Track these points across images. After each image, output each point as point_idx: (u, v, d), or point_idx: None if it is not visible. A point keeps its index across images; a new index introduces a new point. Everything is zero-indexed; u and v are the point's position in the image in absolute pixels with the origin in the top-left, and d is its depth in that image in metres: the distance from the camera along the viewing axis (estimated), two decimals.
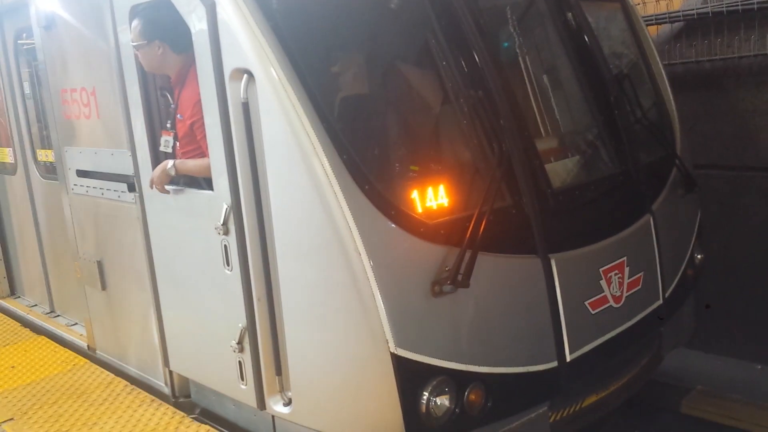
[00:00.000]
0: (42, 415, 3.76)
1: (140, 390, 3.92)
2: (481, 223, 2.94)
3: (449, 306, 2.96)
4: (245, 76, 2.94)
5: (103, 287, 4.45)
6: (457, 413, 2.98)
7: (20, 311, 5.58)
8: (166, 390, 4.08)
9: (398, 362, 2.78)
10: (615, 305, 3.65)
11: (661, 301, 4.00)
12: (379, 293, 2.77)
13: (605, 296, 3.60)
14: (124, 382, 4.06)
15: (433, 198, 3.02)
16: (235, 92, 3.01)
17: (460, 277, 2.85)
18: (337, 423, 3.07)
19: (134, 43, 3.49)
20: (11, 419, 3.75)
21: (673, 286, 4.12)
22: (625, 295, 3.70)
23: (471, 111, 3.26)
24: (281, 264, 3.06)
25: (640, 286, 3.83)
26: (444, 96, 3.42)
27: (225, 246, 3.34)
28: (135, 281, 4.12)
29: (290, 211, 3.00)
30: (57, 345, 4.77)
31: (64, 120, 4.43)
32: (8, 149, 5.32)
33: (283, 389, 3.27)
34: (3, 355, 4.70)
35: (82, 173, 4.36)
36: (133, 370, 4.34)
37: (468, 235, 2.91)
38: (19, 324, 5.29)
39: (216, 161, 3.22)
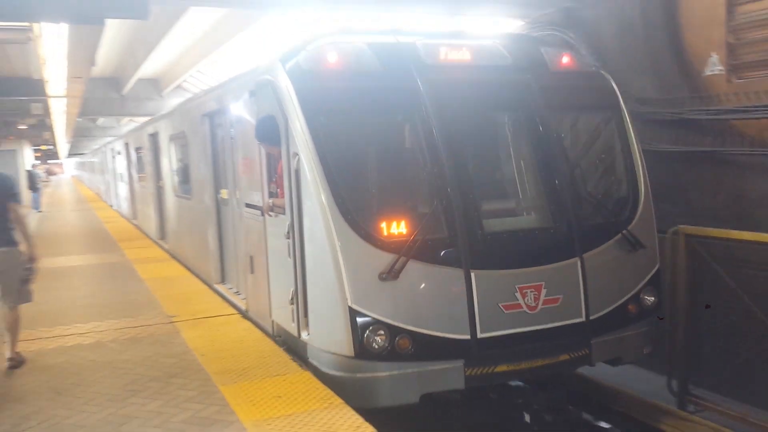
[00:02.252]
0: None
1: None
2: (413, 245, 5.04)
3: (390, 288, 5.01)
4: (297, 156, 5.33)
5: (252, 272, 7.05)
6: (389, 349, 4.97)
7: (225, 292, 8.32)
8: (270, 331, 6.47)
9: (351, 311, 4.96)
10: (529, 312, 5.28)
11: (583, 320, 5.48)
12: (345, 276, 4.97)
13: (519, 304, 5.25)
14: (371, 429, 4.11)
15: (386, 228, 5.12)
16: (293, 164, 5.44)
17: (393, 273, 4.96)
18: (325, 342, 5.29)
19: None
20: None
21: (602, 313, 5.58)
22: (540, 307, 5.30)
23: (426, 180, 5.48)
24: (307, 256, 5.44)
25: (557, 305, 5.37)
26: (409, 170, 5.72)
27: (288, 244, 5.68)
28: (262, 268, 6.53)
29: (311, 227, 5.34)
30: (318, 383, 5.03)
31: (240, 175, 7.36)
32: (225, 190, 8.21)
33: (307, 326, 5.51)
34: (272, 385, 5.08)
35: (246, 205, 7.12)
36: (260, 323, 6.81)
37: (402, 250, 5.01)
38: (288, 357, 5.70)
39: (287, 200, 5.69)
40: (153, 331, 6.80)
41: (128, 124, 37.11)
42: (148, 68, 21.01)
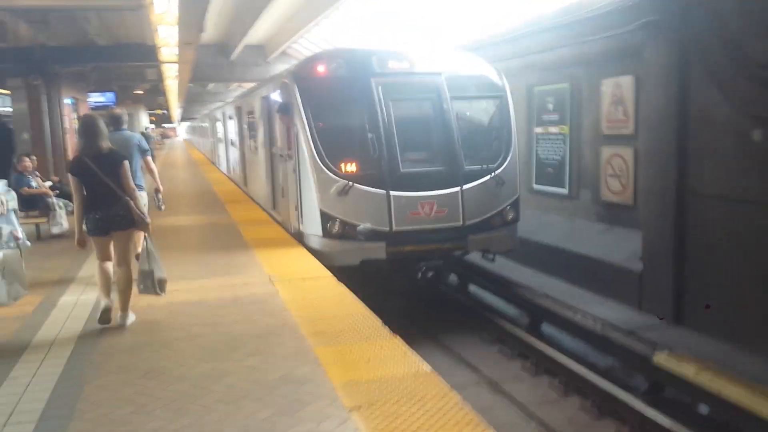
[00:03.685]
0: (384, 411, 4.02)
1: (469, 410, 3.93)
2: (358, 176, 8.84)
3: (343, 200, 8.76)
4: (296, 126, 9.30)
5: (282, 196, 11.06)
6: (342, 233, 8.77)
7: (273, 213, 12.19)
8: (290, 231, 10.34)
9: (321, 212, 8.84)
10: (426, 217, 8.87)
11: (461, 224, 9.04)
12: (318, 193, 8.85)
13: (419, 212, 8.86)
14: (456, 398, 4.11)
15: (344, 167, 8.92)
16: (295, 131, 9.38)
17: (345, 191, 8.73)
18: (310, 229, 9.17)
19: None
20: (358, 408, 4.08)
21: (475, 221, 9.15)
22: (433, 214, 8.90)
23: (370, 142, 8.92)
24: (301, 182, 9.34)
25: (444, 214, 8.95)
26: (360, 135, 9.00)
27: (294, 178, 9.65)
28: (286, 193, 10.56)
29: (303, 166, 9.19)
30: (407, 349, 5.08)
31: (276, 137, 11.36)
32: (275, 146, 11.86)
33: (302, 222, 9.43)
34: (362, 348, 5.18)
35: (278, 155, 11.14)
36: (286, 226, 10.73)
37: (351, 179, 8.83)
38: (380, 323, 5.78)
39: (294, 151, 9.61)
40: (254, 290, 7.06)
41: (236, 89, 38.28)
42: (255, 35, 21.50)
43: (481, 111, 10.09)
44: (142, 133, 29.45)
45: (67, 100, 18.32)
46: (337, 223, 8.78)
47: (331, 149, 9.00)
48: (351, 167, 8.95)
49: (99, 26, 18.28)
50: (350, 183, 8.77)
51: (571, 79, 11.78)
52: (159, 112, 53.55)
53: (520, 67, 13.22)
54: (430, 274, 9.42)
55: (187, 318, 6.16)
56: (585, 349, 8.62)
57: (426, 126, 9.52)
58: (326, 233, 8.81)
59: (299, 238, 9.63)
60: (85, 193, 6.02)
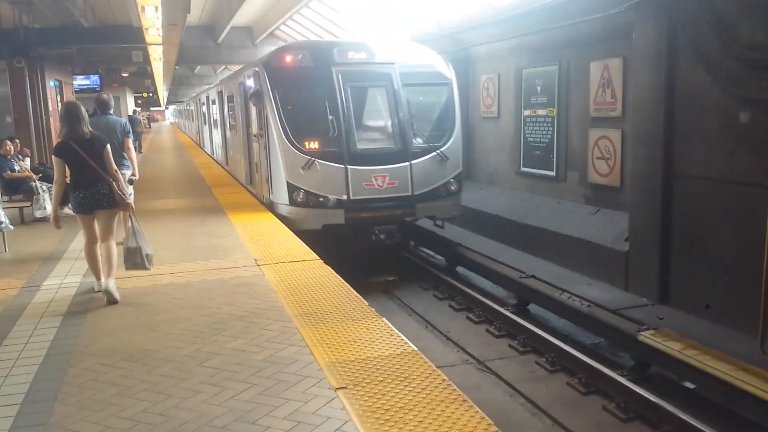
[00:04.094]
0: (369, 390, 4.02)
1: (455, 387, 3.93)
2: (319, 153, 10.26)
3: (306, 173, 10.17)
4: (266, 109, 10.80)
5: (256, 171, 12.57)
6: (305, 201, 10.19)
7: (249, 187, 13.84)
8: (263, 201, 11.70)
9: (288, 183, 10.25)
10: (378, 188, 10.20)
11: (410, 194, 10.44)
12: (285, 167, 10.30)
13: (373, 184, 10.18)
14: (442, 377, 4.12)
15: (307, 145, 10.30)
16: (265, 113, 10.89)
17: (307, 165, 10.15)
18: (278, 198, 10.67)
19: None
20: (344, 387, 4.08)
21: (422, 191, 10.58)
22: (385, 186, 10.25)
23: (330, 123, 10.31)
24: (271, 158, 10.85)
25: (396, 185, 10.32)
26: (322, 117, 10.38)
27: (265, 154, 11.28)
28: (259, 168, 12.15)
29: (272, 144, 10.64)
30: (393, 330, 5.07)
31: (251, 119, 12.75)
32: (250, 127, 13.30)
33: (272, 192, 10.92)
34: (348, 329, 5.17)
35: (253, 135, 12.68)
36: (259, 197, 12.21)
37: (314, 155, 10.23)
38: (366, 304, 5.77)
39: (264, 131, 11.07)
40: (239, 272, 7.04)
41: (223, 72, 37.97)
42: (242, 16, 21.29)
43: (430, 97, 11.49)
44: (130, 117, 29.36)
45: (51, 83, 18.09)
46: (302, 193, 10.17)
47: (296, 129, 10.33)
48: (314, 145, 10.29)
49: (84, 7, 18.01)
50: (312, 159, 10.11)
51: (559, 61, 11.73)
52: (145, 95, 53.06)
53: (509, 48, 13.17)
54: (382, 236, 10.59)
55: (172, 301, 6.12)
56: (573, 329, 8.66)
57: (380, 109, 10.94)
58: (292, 202, 10.24)
59: (270, 207, 11.04)
60: (69, 174, 6.28)
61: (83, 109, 6.48)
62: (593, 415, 6.52)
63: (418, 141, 10.70)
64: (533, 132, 12.76)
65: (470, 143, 15.32)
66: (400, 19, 17.79)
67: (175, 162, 22.98)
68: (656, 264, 8.55)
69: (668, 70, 8.31)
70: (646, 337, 7.03)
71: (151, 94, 53.56)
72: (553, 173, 12.17)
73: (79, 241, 8.18)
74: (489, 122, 14.58)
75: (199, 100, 29.20)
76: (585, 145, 11.11)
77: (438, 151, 10.74)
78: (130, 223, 6.47)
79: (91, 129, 6.45)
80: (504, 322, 8.87)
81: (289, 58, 10.75)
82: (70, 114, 6.32)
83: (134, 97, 50.82)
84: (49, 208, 10.54)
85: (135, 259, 6.39)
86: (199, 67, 40.44)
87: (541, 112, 12.45)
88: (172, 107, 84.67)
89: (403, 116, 10.63)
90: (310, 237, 9.05)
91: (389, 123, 10.77)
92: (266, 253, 7.90)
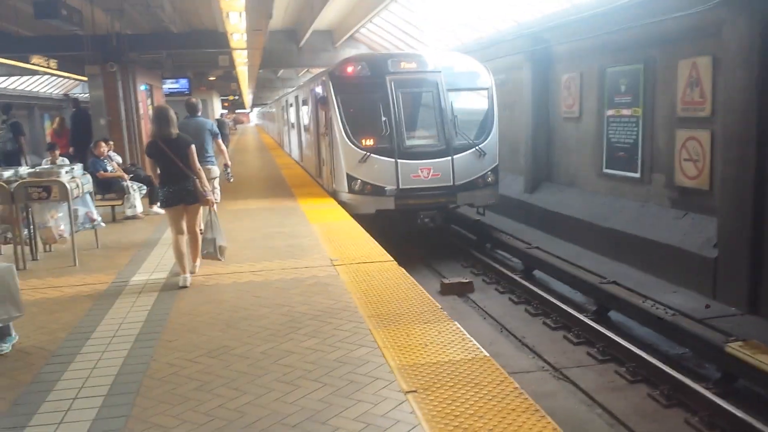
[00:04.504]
0: (439, 395, 4.00)
1: (527, 396, 3.87)
2: (374, 149, 12.09)
3: (363, 165, 12.07)
4: (331, 113, 12.61)
5: (324, 165, 14.32)
6: (362, 190, 12.09)
7: (319, 180, 15.50)
8: (329, 190, 13.56)
9: (347, 175, 12.16)
10: (424, 179, 12.04)
11: (452, 184, 12.13)
12: (345, 160, 12.22)
13: (420, 175, 12.02)
14: (514, 384, 4.06)
15: (364, 142, 12.19)
16: (330, 116, 12.78)
17: (364, 159, 12.02)
18: (339, 187, 12.55)
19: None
20: (414, 391, 4.08)
21: (463, 182, 12.24)
22: (430, 177, 12.06)
23: (384, 124, 12.08)
24: (334, 154, 12.79)
25: (439, 176, 12.09)
26: (377, 119, 12.17)
27: (330, 151, 13.21)
28: (328, 163, 13.63)
29: (335, 141, 12.54)
30: (464, 334, 5.03)
31: (320, 120, 14.69)
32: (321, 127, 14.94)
33: (334, 182, 12.87)
34: (420, 332, 5.18)
35: (322, 134, 14.45)
36: (326, 188, 13.99)
37: (369, 150, 12.10)
38: (438, 307, 5.75)
39: (330, 131, 13.00)
40: (315, 272, 7.15)
41: (305, 75, 38.66)
42: (323, 20, 21.61)
43: (471, 100, 13.11)
44: (218, 120, 30.44)
45: (142, 87, 18.90)
46: (359, 182, 12.04)
47: (355, 129, 12.24)
48: (369, 142, 12.13)
49: (172, 13, 18.72)
50: (368, 153, 11.96)
51: (645, 60, 11.35)
52: (231, 98, 54.66)
53: (592, 47, 12.84)
54: (426, 219, 12.24)
55: (251, 298, 6.29)
56: (655, 338, 8.35)
57: (426, 111, 12.73)
58: (351, 190, 12.11)
59: (333, 195, 12.93)
60: (159, 171, 6.99)
61: (172, 112, 7.12)
62: (675, 429, 6.26)
63: (459, 138, 12.28)
64: (617, 132, 12.39)
65: (549, 144, 15.03)
66: (477, 18, 17.65)
67: (258, 163, 23.58)
68: (746, 272, 8.13)
69: (761, 69, 7.90)
70: (734, 348, 6.69)
71: (236, 97, 55.15)
72: (637, 175, 11.78)
73: (167, 240, 8.54)
74: (570, 122, 14.26)
75: (280, 103, 32.08)
76: (671, 147, 10.70)
77: (477, 147, 12.32)
78: (209, 217, 7.06)
79: (177, 130, 7.07)
80: (582, 329, 8.63)
81: (350, 69, 12.60)
82: (159, 116, 7.02)
83: (221, 99, 52.46)
84: (138, 206, 11.05)
85: (209, 248, 7.01)
86: (282, 70, 41.32)
87: (625, 111, 12.08)
88: (256, 110, 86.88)
89: (446, 117, 12.28)
90: (365, 219, 10.95)
91: (434, 123, 12.42)
92: (342, 253, 8.00)
